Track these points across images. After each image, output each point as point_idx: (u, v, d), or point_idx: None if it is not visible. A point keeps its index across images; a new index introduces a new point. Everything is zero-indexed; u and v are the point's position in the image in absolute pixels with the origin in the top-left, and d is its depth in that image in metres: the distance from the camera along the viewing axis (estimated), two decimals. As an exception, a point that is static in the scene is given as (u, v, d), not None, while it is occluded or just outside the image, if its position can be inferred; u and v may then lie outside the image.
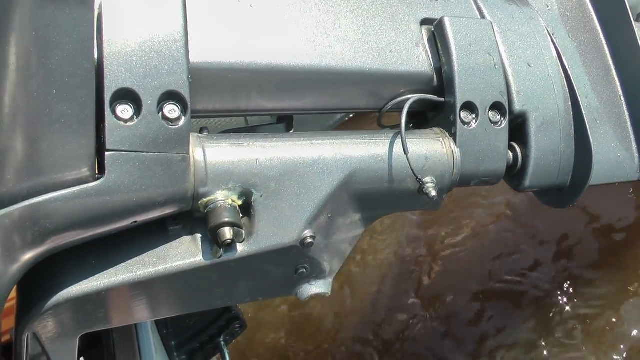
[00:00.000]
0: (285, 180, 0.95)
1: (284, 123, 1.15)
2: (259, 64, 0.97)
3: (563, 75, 1.25)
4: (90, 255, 0.91)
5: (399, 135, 1.04)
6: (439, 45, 1.12)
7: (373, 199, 1.05)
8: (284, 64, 0.99)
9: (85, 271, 0.89)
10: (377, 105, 1.14)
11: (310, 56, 1.01)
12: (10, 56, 0.70)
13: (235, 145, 0.94)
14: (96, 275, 0.89)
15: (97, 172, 0.84)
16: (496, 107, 1.13)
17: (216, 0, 0.98)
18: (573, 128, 1.23)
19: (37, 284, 0.88)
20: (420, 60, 1.11)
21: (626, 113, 1.35)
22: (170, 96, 0.85)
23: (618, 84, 1.36)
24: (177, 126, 0.85)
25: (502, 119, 1.14)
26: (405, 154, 1.01)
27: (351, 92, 1.10)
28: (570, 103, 1.23)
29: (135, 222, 0.88)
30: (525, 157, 1.19)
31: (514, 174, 1.21)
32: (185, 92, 0.85)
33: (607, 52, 1.38)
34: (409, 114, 1.07)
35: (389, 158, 1.03)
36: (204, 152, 0.90)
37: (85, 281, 0.88)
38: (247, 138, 0.96)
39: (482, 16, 1.22)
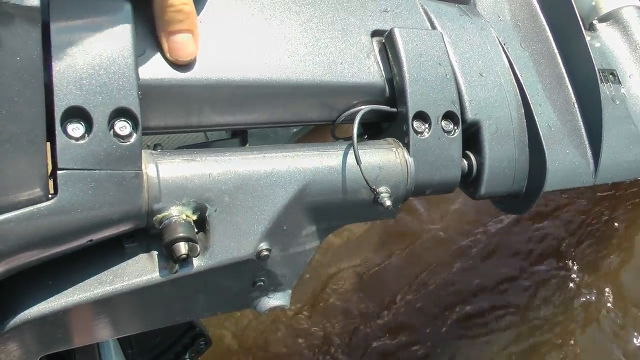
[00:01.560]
0: (239, 194, 0.96)
1: (239, 137, 1.16)
2: (208, 79, 0.97)
3: (515, 84, 1.27)
4: (46, 275, 0.90)
5: (352, 147, 1.04)
6: (389, 56, 1.14)
7: (328, 210, 1.05)
8: (234, 78, 0.99)
9: (42, 292, 0.88)
10: (330, 117, 1.15)
11: (260, 70, 1.02)
12: None
13: (188, 161, 0.94)
14: (53, 296, 0.88)
15: (51, 192, 0.83)
16: (449, 116, 1.15)
17: None
18: (527, 136, 1.25)
19: None
20: (371, 72, 1.13)
21: (580, 120, 1.38)
22: (121, 113, 0.85)
23: (571, 92, 1.39)
24: (128, 143, 0.85)
25: (455, 128, 1.16)
26: (358, 164, 1.02)
27: (303, 105, 1.11)
28: (523, 111, 1.26)
29: (91, 240, 0.87)
30: (480, 165, 1.21)
31: (469, 182, 1.23)
32: (135, 108, 0.86)
33: (560, 60, 1.41)
34: (362, 125, 1.08)
35: (342, 169, 1.04)
36: (157, 168, 0.90)
37: (42, 302, 0.87)
38: (200, 153, 0.97)
39: (433, 27, 1.24)
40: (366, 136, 1.22)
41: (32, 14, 0.74)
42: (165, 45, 0.94)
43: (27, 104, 0.78)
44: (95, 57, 0.84)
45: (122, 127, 0.85)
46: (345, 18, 1.15)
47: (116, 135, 0.85)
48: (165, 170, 0.91)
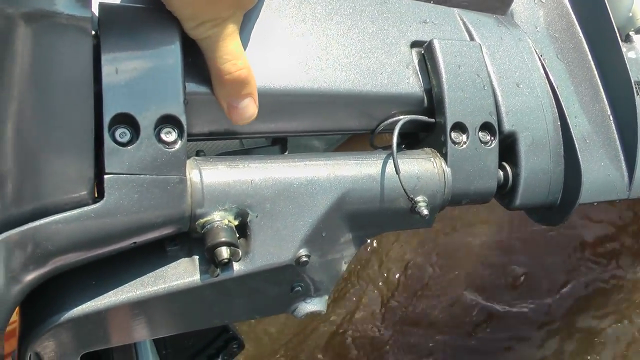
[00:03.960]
0: (280, 200, 0.98)
1: (279, 145, 1.18)
2: (259, 88, 0.99)
3: (552, 96, 1.28)
4: (90, 276, 0.93)
5: (391, 156, 1.06)
6: (428, 67, 1.15)
7: (366, 218, 1.07)
8: (277, 87, 1.01)
9: (86, 292, 0.91)
10: (369, 126, 1.17)
11: (302, 79, 1.04)
12: (12, 83, 0.73)
13: (231, 167, 0.96)
14: (97, 296, 0.91)
15: (96, 195, 0.86)
16: (486, 127, 1.16)
17: None
18: (562, 147, 1.26)
19: (38, 305, 0.90)
20: (410, 82, 1.14)
21: (615, 133, 1.37)
22: (167, 120, 0.87)
23: (607, 103, 1.39)
24: (173, 149, 0.88)
25: (492, 138, 1.16)
26: (397, 173, 1.04)
27: (343, 114, 1.13)
28: (559, 123, 1.26)
29: (135, 243, 0.90)
30: (516, 176, 1.21)
31: (505, 192, 1.24)
32: (181, 115, 0.88)
33: (596, 72, 1.41)
34: (400, 134, 1.10)
35: (381, 178, 1.06)
36: (201, 174, 0.93)
37: (86, 302, 0.90)
38: (243, 160, 0.99)
39: (472, 38, 1.25)
40: (404, 146, 1.24)
41: (84, 24, 0.76)
42: (225, 109, 0.96)
43: (77, 110, 0.80)
44: (143, 64, 0.86)
45: (168, 133, 0.88)
46: (385, 29, 1.16)
47: (162, 141, 0.87)
48: (209, 176, 0.94)
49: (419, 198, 1.07)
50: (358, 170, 1.05)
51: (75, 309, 0.89)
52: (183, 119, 0.88)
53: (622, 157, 1.37)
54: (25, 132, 0.76)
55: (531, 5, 1.44)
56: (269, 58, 1.03)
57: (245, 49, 1.00)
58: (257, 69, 1.00)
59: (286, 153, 1.18)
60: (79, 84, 0.80)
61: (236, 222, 0.96)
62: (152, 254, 0.96)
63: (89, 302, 0.90)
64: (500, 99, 1.20)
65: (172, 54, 0.88)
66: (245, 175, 0.96)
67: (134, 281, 0.93)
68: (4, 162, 0.75)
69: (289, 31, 1.07)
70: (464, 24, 1.28)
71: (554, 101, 1.27)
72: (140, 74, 0.86)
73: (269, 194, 0.97)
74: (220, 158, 0.99)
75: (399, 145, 1.08)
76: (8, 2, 0.69)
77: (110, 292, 0.92)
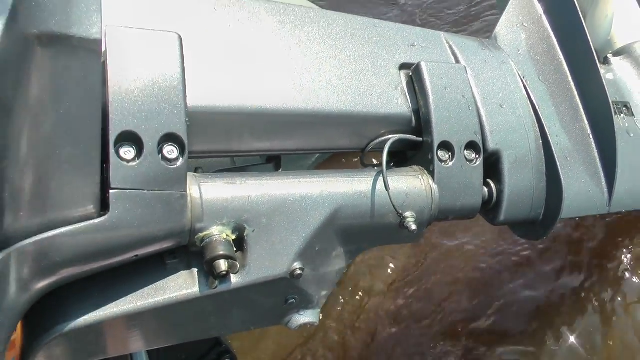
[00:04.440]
0: (275, 216, 1.02)
1: (273, 163, 1.22)
2: (251, 108, 1.04)
3: (534, 116, 1.34)
4: (92, 287, 0.96)
5: (381, 173, 1.11)
6: (416, 88, 1.21)
7: (357, 233, 1.11)
8: (274, 108, 1.06)
9: (88, 303, 0.95)
10: (359, 145, 1.22)
11: (297, 100, 1.09)
12: (25, 102, 0.76)
13: (229, 183, 1.00)
14: (99, 307, 0.94)
15: (100, 209, 0.90)
16: (471, 146, 1.21)
17: (209, 47, 1.06)
18: (544, 165, 1.31)
19: (42, 315, 0.94)
20: (399, 103, 1.19)
21: (595, 150, 1.44)
22: (170, 138, 0.92)
23: (586, 123, 1.45)
24: (175, 166, 0.92)
25: (477, 157, 1.22)
26: (386, 190, 1.08)
27: (335, 133, 1.18)
28: (541, 141, 1.32)
29: (136, 256, 0.94)
30: (500, 192, 1.27)
31: (490, 208, 1.29)
32: (183, 134, 0.92)
33: (576, 93, 1.47)
34: (389, 153, 1.15)
35: (371, 195, 1.10)
36: (200, 190, 0.97)
37: (88, 312, 0.94)
38: (240, 177, 1.03)
39: (457, 61, 1.31)
40: (392, 164, 1.28)
41: (94, 46, 0.81)
42: None
43: (85, 128, 0.85)
44: (148, 85, 0.91)
45: (170, 151, 0.92)
46: (376, 52, 1.22)
47: (164, 158, 0.92)
48: (208, 192, 0.98)
49: (408, 214, 1.12)
50: (349, 187, 1.09)
51: (78, 319, 0.93)
52: (185, 138, 0.92)
53: (602, 174, 1.43)
54: (37, 147, 0.80)
55: (514, 29, 1.51)
56: (265, 79, 1.08)
57: (245, 70, 1.06)
58: (252, 89, 1.05)
59: (280, 170, 1.22)
60: (87, 103, 0.84)
61: (234, 236, 1.00)
62: (152, 267, 1.00)
63: (91, 313, 0.94)
64: (484, 119, 1.25)
65: (174, 75, 0.93)
66: (242, 192, 1.00)
67: (135, 293, 0.97)
68: (18, 177, 0.78)
69: (284, 53, 1.12)
70: (450, 47, 1.34)
71: (535, 121, 1.33)
72: (145, 94, 0.90)
73: (265, 210, 1.01)
74: (219, 175, 1.04)
75: (388, 163, 1.13)
76: (26, 24, 0.73)
77: (112, 304, 0.95)
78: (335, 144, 1.21)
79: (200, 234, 0.97)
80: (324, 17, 1.21)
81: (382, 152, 1.14)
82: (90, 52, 0.82)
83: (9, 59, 0.70)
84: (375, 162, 1.25)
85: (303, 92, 1.10)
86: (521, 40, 1.50)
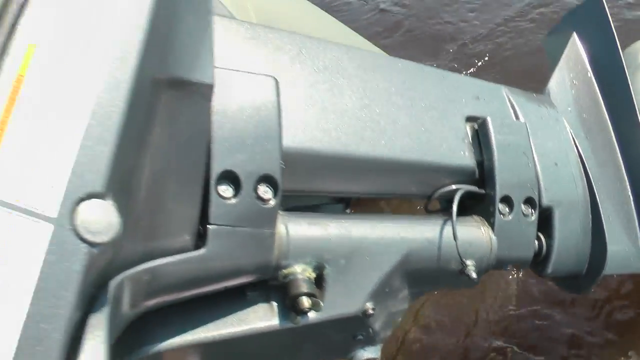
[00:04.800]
0: (353, 257, 1.08)
1: (343, 204, 1.29)
2: (337, 152, 1.10)
3: (583, 174, 1.41)
4: (176, 313, 1.01)
5: (448, 222, 1.18)
6: (481, 142, 1.28)
7: (422, 276, 1.18)
8: (356, 153, 1.12)
9: (172, 328, 1.00)
10: (423, 192, 1.29)
11: (377, 147, 1.15)
12: (148, 140, 0.81)
13: (312, 224, 1.07)
14: (183, 332, 1.00)
15: (196, 241, 0.95)
16: (528, 201, 1.29)
17: (295, 89, 1.11)
18: (590, 223, 1.39)
19: (129, 337, 0.98)
20: (466, 155, 1.26)
21: (634, 212, 1.51)
22: (265, 179, 0.97)
23: (628, 184, 1.53)
24: (269, 206, 0.98)
25: (533, 212, 1.29)
26: (454, 240, 1.15)
27: (404, 180, 1.25)
28: (589, 199, 1.39)
29: (225, 287, 0.99)
30: (549, 246, 1.34)
31: (538, 261, 1.36)
32: (278, 176, 0.98)
33: (619, 153, 1.55)
34: (449, 200, 1.22)
35: (439, 242, 1.17)
36: (287, 229, 1.03)
37: (173, 337, 0.99)
38: (322, 218, 1.10)
39: (516, 115, 1.38)
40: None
41: (209, 90, 0.87)
42: None
43: (192, 165, 0.90)
44: (248, 127, 0.96)
45: (265, 191, 0.97)
46: (445, 103, 1.28)
47: (259, 198, 0.97)
48: (294, 231, 1.04)
49: (469, 262, 1.19)
50: (419, 233, 1.16)
51: (163, 342, 0.98)
52: (279, 179, 0.98)
53: (639, 235, 1.50)
54: (151, 181, 0.85)
55: (565, 86, 1.59)
56: (347, 123, 1.13)
57: (317, 115, 1.11)
58: (337, 133, 1.11)
59: (349, 211, 1.28)
60: (195, 142, 0.89)
61: (314, 275, 1.05)
62: (233, 298, 1.05)
63: (175, 338, 0.99)
64: (540, 175, 1.32)
65: (272, 118, 0.99)
66: (324, 233, 1.06)
67: (217, 321, 1.02)
68: (137, 208, 0.83)
69: (359, 103, 1.18)
70: (510, 101, 1.41)
71: (585, 180, 1.40)
72: (245, 136, 0.96)
73: (344, 251, 1.07)
74: (302, 214, 1.09)
75: (445, 209, 1.19)
76: (157, 69, 0.79)
77: (194, 330, 1.00)
78: (401, 190, 1.27)
79: (284, 270, 1.03)
80: (400, 65, 1.28)
81: (451, 202, 1.20)
82: (204, 95, 0.88)
83: (139, 101, 0.75)
84: (431, 205, 1.31)
85: (383, 140, 1.16)
86: (571, 98, 1.58)
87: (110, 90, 0.71)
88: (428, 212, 1.31)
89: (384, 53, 1.79)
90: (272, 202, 0.98)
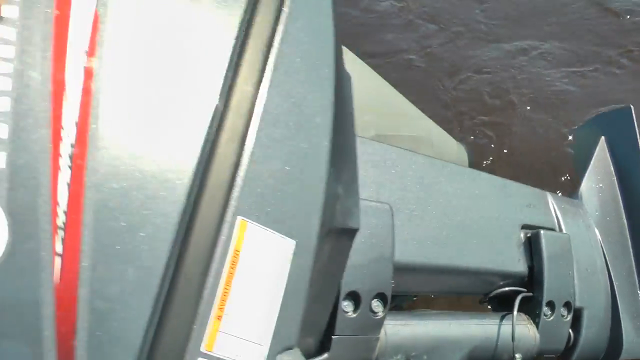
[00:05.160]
0: (433, 353, 1.29)
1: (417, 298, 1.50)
2: (422, 262, 1.31)
3: (607, 277, 1.66)
4: None
5: (504, 320, 1.41)
6: (533, 252, 1.50)
7: None
8: (437, 263, 1.33)
9: None
10: (480, 291, 1.51)
11: (443, 255, 1.35)
12: (313, 275, 0.94)
13: (402, 325, 1.27)
14: None
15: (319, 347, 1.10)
16: (566, 305, 1.52)
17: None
18: (610, 319, 1.63)
19: None
20: (520, 262, 1.48)
21: None
22: (379, 295, 1.16)
23: (637, 283, 1.76)
24: (378, 317, 1.17)
25: (569, 314, 1.52)
26: (512, 340, 1.37)
27: (466, 282, 1.46)
28: (610, 300, 1.64)
29: None
30: (576, 340, 1.58)
31: (565, 350, 1.59)
32: (388, 292, 1.17)
33: (633, 259, 1.78)
34: (496, 297, 1.44)
35: (496, 339, 1.39)
36: (386, 332, 1.22)
37: None
38: (409, 317, 1.30)
39: (559, 222, 1.61)
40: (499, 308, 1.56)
41: (354, 233, 1.03)
42: None
43: (330, 291, 1.07)
44: (369, 253, 1.14)
45: (377, 306, 1.16)
46: (504, 212, 1.50)
47: (372, 311, 1.16)
48: (389, 332, 1.24)
49: (517, 356, 1.41)
50: (482, 331, 1.38)
51: None
52: (389, 296, 1.17)
53: None
54: (316, 303, 0.99)
55: (594, 191, 1.82)
56: (425, 237, 1.33)
57: (407, 228, 1.28)
58: (422, 246, 1.31)
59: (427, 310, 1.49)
60: (336, 272, 1.06)
61: None
62: None
63: None
64: (575, 281, 1.56)
65: (389, 245, 1.18)
66: (413, 332, 1.27)
67: None
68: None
69: (440, 208, 1.37)
70: (554, 208, 1.63)
71: (609, 283, 1.65)
72: (366, 260, 1.14)
73: (426, 347, 1.28)
74: (393, 315, 1.28)
75: (499, 306, 1.41)
76: (329, 224, 0.96)
77: None
78: (461, 289, 1.50)
79: None
80: (458, 171, 1.48)
81: (512, 306, 1.41)
82: (351, 237, 1.04)
83: (317, 258, 0.91)
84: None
85: (448, 248, 1.36)
86: (597, 201, 1.81)
87: (300, 255, 0.87)
88: (481, 304, 1.54)
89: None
90: (381, 314, 1.17)
